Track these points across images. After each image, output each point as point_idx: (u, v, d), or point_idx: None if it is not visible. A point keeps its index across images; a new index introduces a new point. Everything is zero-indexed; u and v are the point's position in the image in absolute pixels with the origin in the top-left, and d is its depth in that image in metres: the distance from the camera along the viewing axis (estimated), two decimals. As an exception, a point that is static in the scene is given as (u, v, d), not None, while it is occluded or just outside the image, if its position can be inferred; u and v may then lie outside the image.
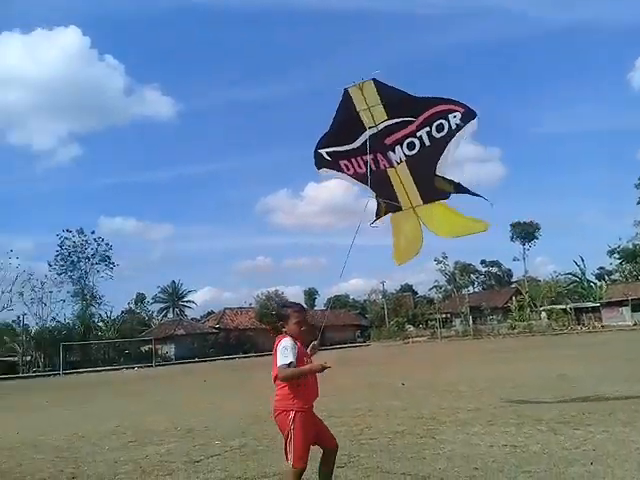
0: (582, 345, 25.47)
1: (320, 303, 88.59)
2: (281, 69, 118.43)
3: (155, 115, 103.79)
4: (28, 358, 45.29)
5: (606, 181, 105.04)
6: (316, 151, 8.23)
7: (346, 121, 7.98)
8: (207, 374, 26.15)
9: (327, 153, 8.16)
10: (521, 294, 61.33)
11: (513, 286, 75.07)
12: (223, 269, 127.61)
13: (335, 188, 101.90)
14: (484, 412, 8.09)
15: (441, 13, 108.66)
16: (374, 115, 7.85)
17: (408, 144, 7.86)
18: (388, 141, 7.92)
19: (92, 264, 52.00)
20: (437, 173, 7.90)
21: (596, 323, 50.51)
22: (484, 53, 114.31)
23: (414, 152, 7.85)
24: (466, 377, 13.87)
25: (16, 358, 45.02)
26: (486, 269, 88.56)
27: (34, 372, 42.46)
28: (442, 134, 7.66)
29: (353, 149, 8.07)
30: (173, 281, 79.97)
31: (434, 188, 7.97)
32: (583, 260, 60.76)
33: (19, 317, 47.91)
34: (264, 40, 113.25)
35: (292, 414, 3.65)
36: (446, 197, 7.97)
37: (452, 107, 7.64)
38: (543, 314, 57.20)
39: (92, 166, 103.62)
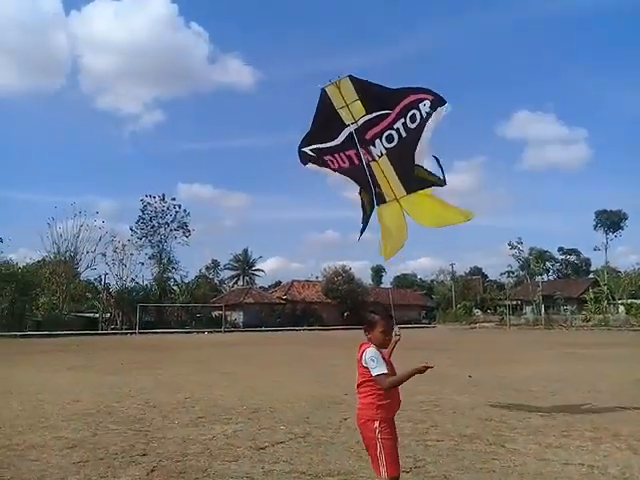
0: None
1: (387, 281, 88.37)
2: (363, 40, 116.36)
3: (236, 83, 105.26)
4: (107, 315, 48.09)
5: None
6: (300, 150, 8.41)
7: (326, 120, 8.19)
8: (273, 345, 26.75)
9: (311, 150, 8.32)
10: (599, 285, 58.39)
11: (591, 276, 71.58)
12: (292, 240, 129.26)
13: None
14: (558, 420, 7.72)
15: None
16: (353, 111, 8.02)
17: (387, 137, 8.01)
18: (368, 136, 8.07)
19: (170, 230, 54.15)
20: (416, 163, 8.05)
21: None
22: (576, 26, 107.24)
23: (393, 144, 8.01)
24: (538, 374, 13.35)
25: (97, 315, 47.89)
26: (563, 257, 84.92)
27: (112, 329, 45.07)
28: (415, 124, 7.86)
29: (336, 145, 8.22)
30: (245, 250, 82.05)
31: (415, 178, 8.11)
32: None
33: (101, 276, 50.84)
34: (345, 10, 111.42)
35: (377, 424, 3.56)
36: (428, 187, 8.10)
37: (421, 96, 7.85)
38: (621, 308, 54.25)
39: (173, 132, 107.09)
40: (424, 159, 8.11)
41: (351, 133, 8.10)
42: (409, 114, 7.83)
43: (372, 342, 3.72)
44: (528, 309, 62.07)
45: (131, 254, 50.87)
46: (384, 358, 3.69)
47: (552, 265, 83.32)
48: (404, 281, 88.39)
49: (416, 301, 69.64)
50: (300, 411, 8.28)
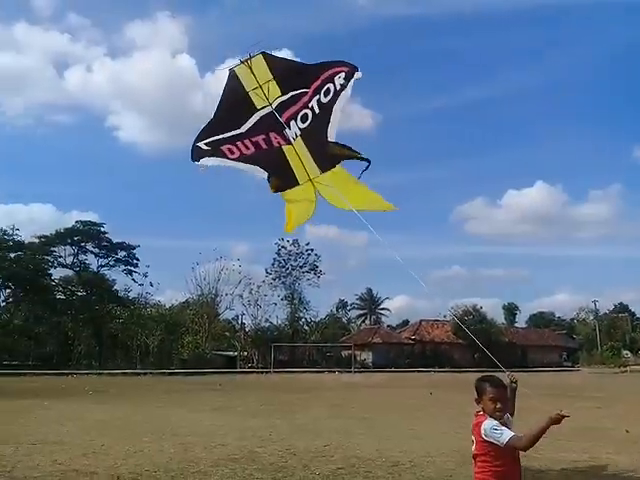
0: None
1: (521, 320, 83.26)
2: (481, 73, 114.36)
3: (356, 127, 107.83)
4: (244, 354, 50.47)
5: None
6: (193, 145, 7.34)
7: (231, 106, 7.31)
8: (405, 388, 26.25)
9: (206, 144, 7.30)
10: None
11: None
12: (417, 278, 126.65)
13: (537, 195, 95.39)
14: None
15: None
16: (268, 92, 7.16)
17: (302, 117, 7.25)
18: (284, 118, 7.25)
19: (302, 272, 56.11)
20: (329, 139, 7.33)
21: None
22: None
23: (307, 124, 7.25)
24: None
25: (235, 353, 50.46)
26: None
27: (249, 367, 47.14)
28: (328, 98, 7.19)
29: (239, 134, 7.31)
30: (369, 289, 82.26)
31: (329, 155, 7.39)
32: None
33: (237, 316, 53.72)
34: (457, 46, 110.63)
35: None
36: (343, 159, 7.39)
37: (337, 69, 7.19)
38: None
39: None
40: (335, 136, 7.43)
41: (262, 117, 7.31)
42: (324, 89, 7.20)
43: (485, 412, 3.63)
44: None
45: (265, 295, 53.32)
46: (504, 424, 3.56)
47: None
48: (541, 320, 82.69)
49: (555, 342, 64.64)
50: (442, 467, 8.01)
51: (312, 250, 56.83)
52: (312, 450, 9.26)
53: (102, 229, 51.52)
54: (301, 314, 56.43)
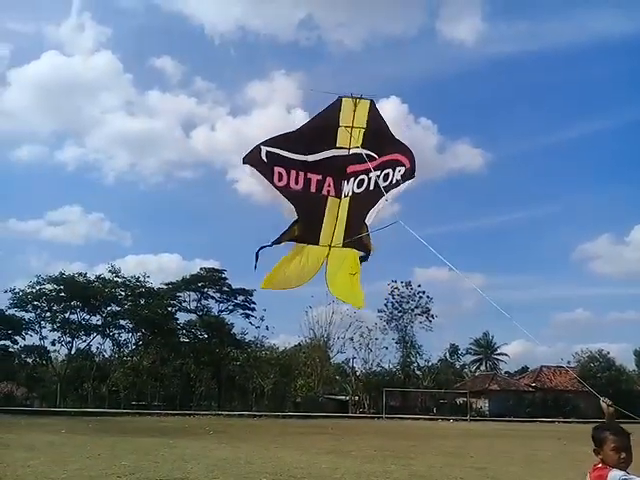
0: None
1: (657, 366, 75.23)
2: (591, 106, 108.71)
3: (467, 167, 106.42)
4: (356, 398, 50.25)
5: None
6: (257, 145, 6.92)
7: (317, 129, 7.01)
8: (526, 438, 24.78)
9: (267, 153, 6.86)
10: None
11: None
12: (537, 321, 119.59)
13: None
14: None
15: None
16: (352, 137, 6.99)
17: (360, 181, 7.00)
18: (349, 169, 7.01)
19: (414, 315, 55.35)
20: (365, 221, 7.03)
21: None
22: None
23: (360, 190, 6.98)
24: None
25: (346, 397, 50.42)
26: None
27: (360, 412, 46.83)
28: (385, 184, 6.86)
29: (303, 161, 6.97)
30: (485, 333, 78.84)
31: (357, 234, 7.09)
32: None
33: (349, 359, 53.83)
34: (567, 80, 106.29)
35: None
36: (361, 250, 7.07)
37: (402, 159, 6.91)
38: None
39: (409, 220, 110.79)
40: (370, 223, 7.08)
41: (333, 157, 7.09)
42: (385, 171, 6.98)
43: (606, 463, 3.35)
44: None
45: (376, 339, 53.09)
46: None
47: None
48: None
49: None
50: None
51: (424, 292, 56.06)
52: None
53: (223, 275, 54.52)
54: (413, 359, 55.37)
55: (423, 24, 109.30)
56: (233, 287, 54.14)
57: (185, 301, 53.83)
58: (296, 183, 6.96)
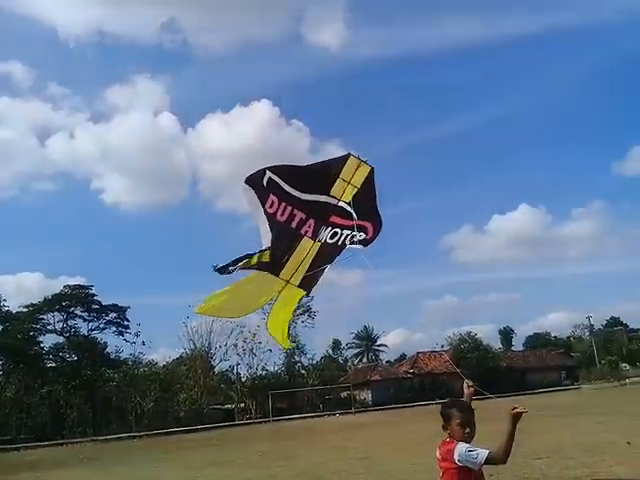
0: None
1: (518, 343, 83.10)
2: (455, 106, 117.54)
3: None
4: (242, 405, 49.38)
5: None
6: (264, 168, 7.54)
7: (320, 173, 7.80)
8: (405, 423, 25.86)
9: (269, 179, 7.46)
10: None
11: None
12: (411, 310, 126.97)
13: (522, 218, 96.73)
14: None
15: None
16: (345, 192, 7.76)
17: (334, 232, 7.83)
18: (331, 218, 7.83)
19: (296, 314, 55.53)
20: (324, 270, 8.04)
21: None
22: None
23: (332, 241, 7.83)
24: None
25: (232, 406, 49.38)
26: None
27: (247, 418, 46.07)
28: (347, 244, 7.85)
29: (296, 197, 7.62)
30: (365, 326, 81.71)
31: (312, 280, 8.02)
32: None
33: (232, 367, 52.81)
34: (433, 81, 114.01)
35: None
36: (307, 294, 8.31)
37: (370, 231, 7.90)
38: None
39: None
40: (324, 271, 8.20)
41: (323, 202, 7.79)
42: (353, 232, 7.85)
43: (454, 438, 3.56)
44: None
45: (259, 342, 52.54)
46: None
47: None
48: (537, 341, 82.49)
49: (554, 362, 64.19)
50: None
51: (304, 292, 56.51)
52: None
53: (91, 291, 50.99)
54: (297, 358, 55.64)
55: (290, 29, 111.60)
56: (103, 304, 50.98)
57: (49, 323, 49.62)
58: (282, 215, 7.58)
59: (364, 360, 78.47)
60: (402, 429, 22.91)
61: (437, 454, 3.62)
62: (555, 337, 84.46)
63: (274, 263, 7.65)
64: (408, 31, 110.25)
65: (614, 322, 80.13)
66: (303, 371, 55.27)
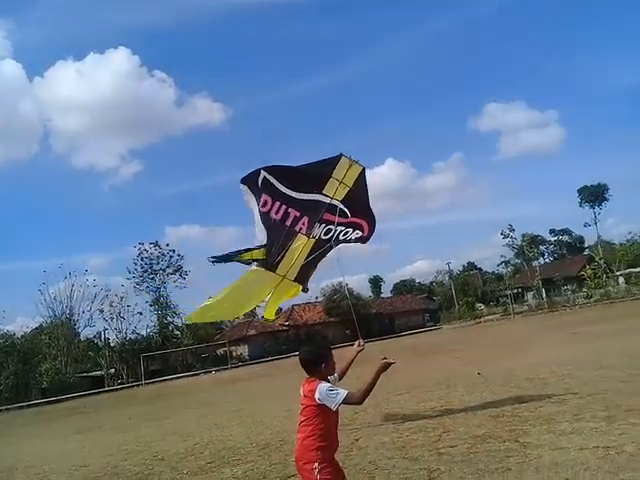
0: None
1: (386, 289, 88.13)
2: (322, 60, 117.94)
3: (208, 122, 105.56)
4: (112, 371, 47.43)
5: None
6: (258, 168, 8.14)
7: (313, 173, 8.27)
8: (281, 375, 26.41)
9: (264, 179, 8.04)
10: (595, 261, 58.28)
11: (586, 253, 71.81)
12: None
13: (389, 172, 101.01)
14: (569, 404, 7.61)
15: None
16: (337, 190, 8.26)
17: (327, 229, 8.33)
18: (324, 216, 8.30)
19: (167, 274, 53.71)
20: (317, 265, 8.61)
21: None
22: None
23: (325, 238, 8.34)
24: (547, 360, 13.25)
25: (102, 372, 47.22)
26: (556, 238, 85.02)
27: (119, 384, 44.42)
28: (342, 240, 8.39)
29: (290, 196, 8.15)
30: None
31: (307, 275, 8.59)
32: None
33: (100, 333, 50.24)
34: (301, 33, 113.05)
35: (316, 465, 3.39)
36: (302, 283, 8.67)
37: (366, 227, 8.47)
38: (621, 279, 54.37)
39: (153, 179, 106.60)
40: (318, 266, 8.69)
41: (316, 200, 8.25)
42: (347, 229, 8.38)
43: (315, 377, 3.63)
44: (529, 295, 61.94)
45: (128, 306, 50.36)
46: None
47: (546, 248, 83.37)
48: (403, 287, 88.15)
49: (418, 305, 69.24)
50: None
51: (174, 251, 54.70)
52: (181, 452, 8.92)
53: None
54: (170, 319, 54.22)
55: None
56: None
57: None
58: (276, 213, 8.00)
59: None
60: (277, 380, 23.34)
61: (300, 391, 3.67)
62: (419, 283, 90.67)
63: (271, 260, 8.05)
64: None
65: (470, 267, 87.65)
66: (177, 332, 54.11)
